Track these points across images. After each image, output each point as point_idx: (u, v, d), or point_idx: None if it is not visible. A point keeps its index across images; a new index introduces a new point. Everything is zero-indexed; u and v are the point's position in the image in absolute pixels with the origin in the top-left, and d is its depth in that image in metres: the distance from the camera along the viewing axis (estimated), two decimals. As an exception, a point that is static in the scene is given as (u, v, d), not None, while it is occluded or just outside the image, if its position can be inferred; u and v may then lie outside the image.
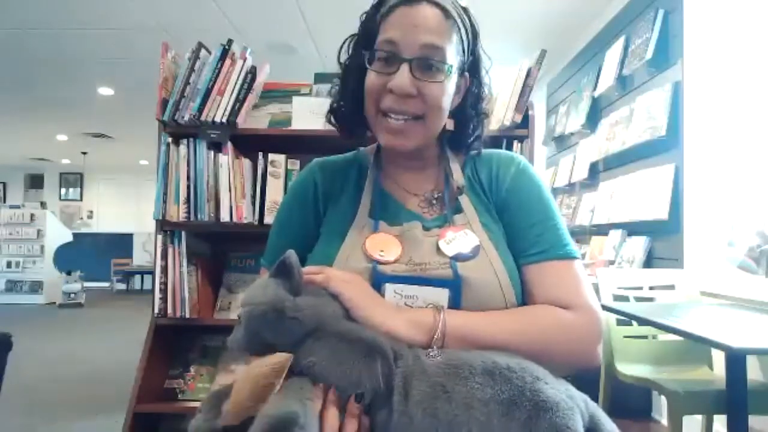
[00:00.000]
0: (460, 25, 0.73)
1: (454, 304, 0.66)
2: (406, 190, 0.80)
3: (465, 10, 0.76)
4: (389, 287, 0.66)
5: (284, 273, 0.59)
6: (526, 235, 0.73)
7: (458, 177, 0.79)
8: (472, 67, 0.78)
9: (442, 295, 0.66)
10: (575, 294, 0.69)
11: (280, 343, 0.56)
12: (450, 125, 0.78)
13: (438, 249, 0.70)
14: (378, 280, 0.67)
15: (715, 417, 1.85)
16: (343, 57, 0.80)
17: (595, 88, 3.26)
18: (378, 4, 0.75)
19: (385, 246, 0.71)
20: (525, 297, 0.71)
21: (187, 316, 1.60)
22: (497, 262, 0.70)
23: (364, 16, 0.77)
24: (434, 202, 0.79)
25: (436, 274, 0.68)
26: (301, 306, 0.57)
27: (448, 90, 0.73)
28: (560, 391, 0.56)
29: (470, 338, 0.63)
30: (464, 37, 0.74)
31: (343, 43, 0.80)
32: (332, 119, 0.84)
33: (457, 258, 0.69)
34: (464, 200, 0.77)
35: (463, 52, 0.75)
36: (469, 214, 0.75)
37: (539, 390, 0.54)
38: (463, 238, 0.71)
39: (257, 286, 0.60)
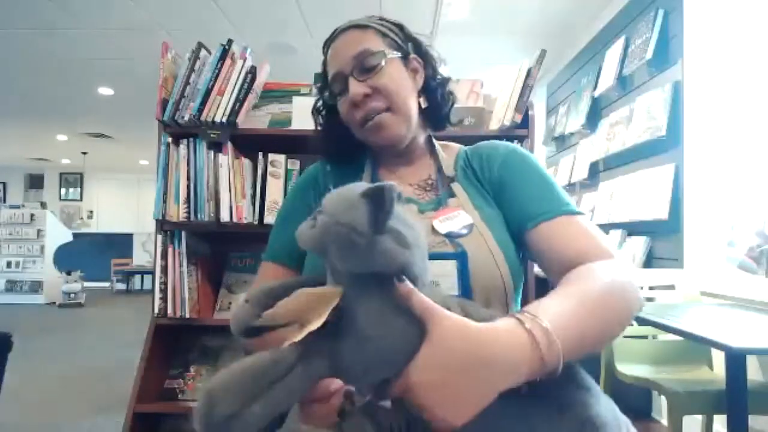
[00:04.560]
0: (378, 27, 0.82)
1: (463, 275, 0.68)
2: (401, 179, 0.85)
3: (381, 18, 0.85)
4: None
5: (377, 201, 0.50)
6: (528, 203, 0.76)
7: (448, 167, 0.84)
8: (416, 49, 0.85)
9: (449, 267, 0.68)
10: (596, 244, 0.69)
11: (338, 270, 0.52)
12: (424, 103, 0.85)
13: (433, 229, 0.73)
14: None
15: (715, 417, 1.85)
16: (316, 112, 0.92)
17: (595, 88, 3.26)
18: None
19: None
20: (540, 259, 0.73)
21: (187, 316, 1.60)
22: (490, 239, 0.72)
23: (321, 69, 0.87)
24: (428, 188, 0.84)
25: (434, 250, 0.69)
26: (385, 248, 0.50)
27: (394, 74, 0.79)
28: (608, 410, 0.53)
29: (578, 346, 0.54)
30: (389, 32, 0.82)
31: (315, 103, 0.92)
32: (325, 151, 0.91)
33: (450, 236, 0.72)
34: (456, 187, 0.81)
35: (397, 43, 0.82)
36: (461, 197, 0.79)
37: (589, 405, 0.52)
38: (456, 218, 0.75)
39: (343, 200, 0.52)
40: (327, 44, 0.84)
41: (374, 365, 0.51)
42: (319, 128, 0.92)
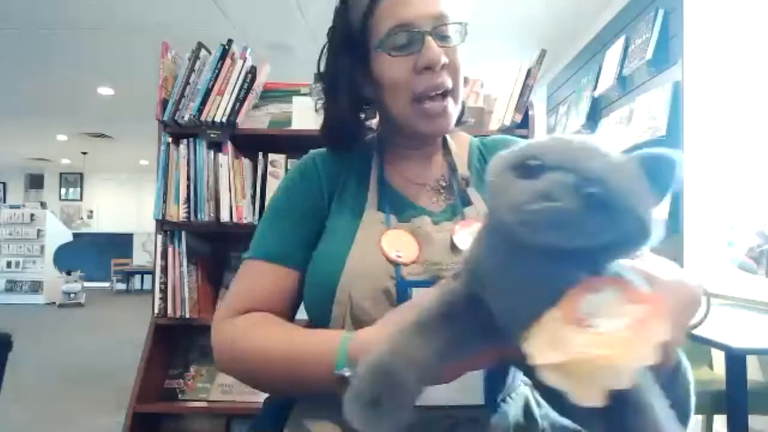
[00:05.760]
0: None
1: None
2: (411, 181, 0.75)
3: None
4: (416, 292, 0.62)
5: (663, 176, 0.39)
6: None
7: (462, 166, 0.76)
8: None
9: None
10: None
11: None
12: None
13: (452, 246, 0.66)
14: (403, 286, 0.62)
15: (715, 417, 1.85)
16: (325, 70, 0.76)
17: (595, 88, 3.26)
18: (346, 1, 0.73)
19: (401, 245, 0.66)
20: None
21: (187, 316, 1.60)
22: None
23: (338, 20, 0.74)
24: (441, 191, 0.75)
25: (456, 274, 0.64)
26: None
27: (461, 56, 0.70)
28: None
29: None
30: (464, 7, 0.73)
31: (320, 57, 0.76)
32: (332, 136, 0.77)
33: None
34: (473, 192, 0.73)
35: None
36: (478, 206, 0.71)
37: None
38: (475, 233, 0.68)
39: (613, 165, 0.38)
40: None
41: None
42: (326, 104, 0.76)
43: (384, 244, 0.65)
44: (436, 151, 0.78)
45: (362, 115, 0.76)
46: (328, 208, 0.73)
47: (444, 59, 0.66)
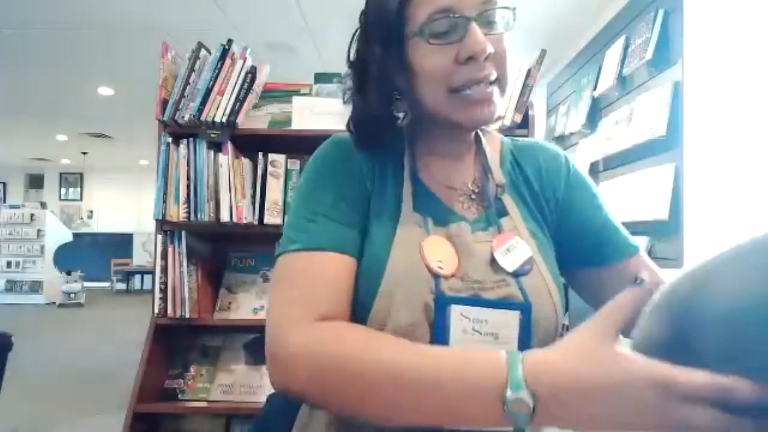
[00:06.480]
0: None
1: (524, 328, 0.58)
2: (442, 183, 0.69)
3: None
4: (455, 309, 0.57)
5: None
6: (596, 236, 0.68)
7: (497, 171, 0.69)
8: None
9: (512, 319, 0.58)
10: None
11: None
12: None
13: (492, 261, 0.61)
14: (442, 302, 0.57)
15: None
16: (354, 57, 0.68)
17: (595, 88, 3.26)
18: None
19: (442, 254, 0.61)
20: (597, 299, 0.63)
21: (187, 316, 1.60)
22: (549, 278, 0.63)
23: (371, 3, 0.66)
24: (473, 196, 0.68)
25: (496, 293, 0.60)
26: None
27: (506, 45, 0.64)
28: None
29: None
30: None
31: (350, 44, 0.68)
32: (362, 130, 0.68)
33: (516, 274, 0.61)
34: (508, 200, 0.68)
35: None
36: (515, 218, 0.66)
37: None
38: (516, 249, 0.63)
39: None
40: None
41: None
42: (354, 95, 0.69)
43: (426, 251, 0.60)
44: (468, 150, 0.71)
45: (393, 108, 0.68)
46: (368, 202, 0.66)
47: (489, 48, 0.59)
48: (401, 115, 0.68)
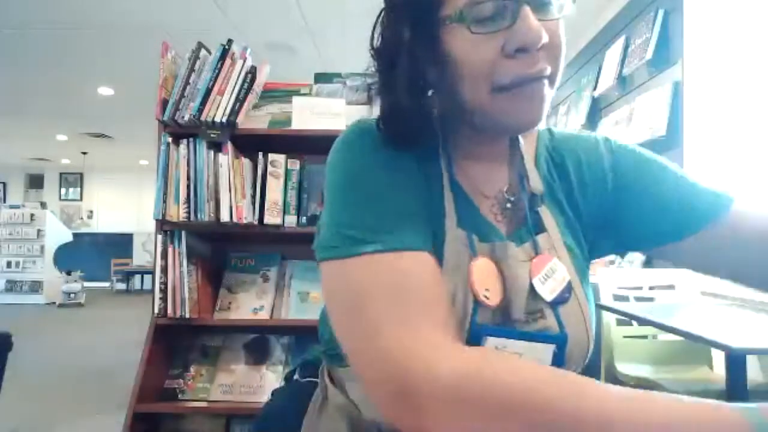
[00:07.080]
0: None
1: (558, 360, 0.53)
2: (478, 190, 0.60)
3: None
4: (490, 341, 0.52)
5: None
6: (671, 208, 0.59)
7: (534, 177, 0.60)
8: None
9: (546, 350, 0.53)
10: None
11: None
12: None
13: (532, 289, 0.55)
14: (477, 333, 0.52)
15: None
16: (380, 43, 0.56)
17: (595, 88, 3.26)
18: None
19: (488, 280, 0.54)
20: (705, 266, 0.60)
21: (187, 316, 1.60)
22: (585, 305, 0.57)
23: None
24: (508, 206, 0.60)
25: (532, 327, 0.55)
26: None
27: (562, 31, 0.53)
28: None
29: None
30: None
31: (375, 26, 0.56)
32: (392, 128, 0.56)
33: (554, 303, 0.55)
34: (545, 213, 0.60)
35: None
36: (551, 233, 0.59)
37: None
38: (554, 274, 0.56)
39: None
40: None
41: None
42: (381, 88, 0.57)
43: (475, 278, 0.53)
44: (504, 152, 0.62)
45: (424, 103, 0.57)
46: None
47: (544, 38, 0.49)
48: (435, 110, 0.59)
